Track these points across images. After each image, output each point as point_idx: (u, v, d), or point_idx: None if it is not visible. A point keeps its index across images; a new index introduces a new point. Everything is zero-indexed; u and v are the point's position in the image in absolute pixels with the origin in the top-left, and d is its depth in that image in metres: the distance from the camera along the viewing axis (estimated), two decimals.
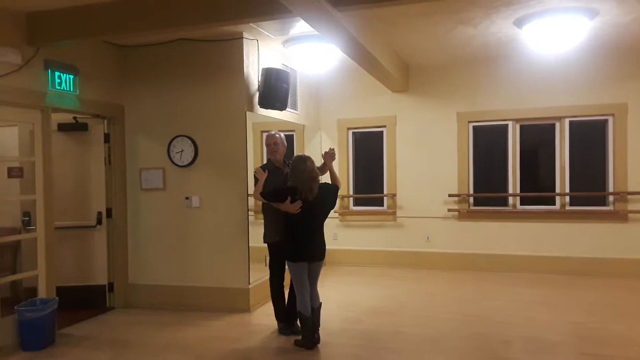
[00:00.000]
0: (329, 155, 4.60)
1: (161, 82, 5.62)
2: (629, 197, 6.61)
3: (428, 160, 7.40)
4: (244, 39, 5.32)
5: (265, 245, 4.77)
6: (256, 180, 4.50)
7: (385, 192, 7.63)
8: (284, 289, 4.77)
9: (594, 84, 6.68)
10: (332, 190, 4.45)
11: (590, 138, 6.95)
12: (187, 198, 5.55)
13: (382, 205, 7.72)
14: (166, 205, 5.63)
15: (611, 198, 6.76)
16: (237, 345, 4.49)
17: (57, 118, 5.32)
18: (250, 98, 5.45)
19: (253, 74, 5.50)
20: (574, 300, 5.66)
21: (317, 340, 4.34)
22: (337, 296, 6.05)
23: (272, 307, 4.81)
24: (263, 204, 4.60)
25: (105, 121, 5.65)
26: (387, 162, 7.60)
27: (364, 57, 5.43)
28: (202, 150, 5.50)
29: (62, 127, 5.59)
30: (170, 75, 5.59)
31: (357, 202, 7.86)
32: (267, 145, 4.77)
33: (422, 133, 7.42)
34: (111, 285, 5.70)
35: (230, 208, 5.41)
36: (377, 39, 5.48)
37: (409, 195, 7.46)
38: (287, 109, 6.02)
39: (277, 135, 4.74)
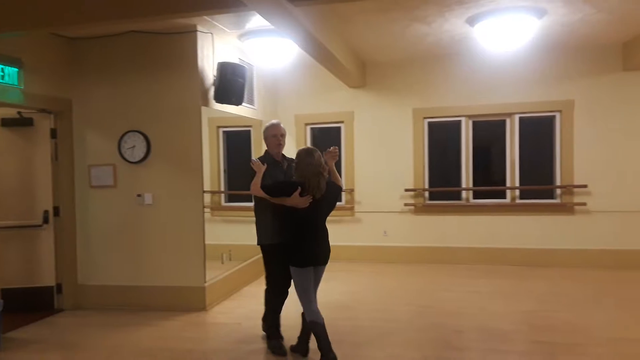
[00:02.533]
0: (331, 155, 3.98)
1: (112, 75, 5.43)
2: (575, 190, 6.89)
3: (385, 155, 7.48)
4: (198, 32, 5.21)
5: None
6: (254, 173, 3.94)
7: (343, 187, 7.64)
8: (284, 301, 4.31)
9: (543, 81, 6.92)
10: (337, 189, 4.00)
11: (539, 133, 7.20)
12: (139, 195, 5.38)
13: (340, 200, 7.75)
14: (117, 203, 5.45)
15: (559, 191, 7.04)
16: (192, 345, 4.40)
17: (0, 113, 5.06)
18: (205, 93, 5.34)
19: (208, 68, 5.39)
20: (525, 290, 5.86)
21: (308, 349, 4.06)
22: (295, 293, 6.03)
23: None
24: (257, 201, 4.08)
25: (52, 116, 5.41)
26: (345, 158, 7.63)
27: (321, 53, 5.42)
28: (155, 146, 5.35)
29: (6, 122, 5.31)
30: (121, 68, 5.41)
31: None
32: (272, 136, 4.12)
33: (379, 129, 7.49)
34: (59, 287, 5.48)
35: (185, 205, 5.29)
36: (333, 34, 5.49)
37: (367, 190, 7.53)
38: (244, 104, 5.95)
39: (282, 125, 4.21)
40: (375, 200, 7.50)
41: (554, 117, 7.04)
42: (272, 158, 4.13)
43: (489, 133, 7.39)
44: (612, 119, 6.74)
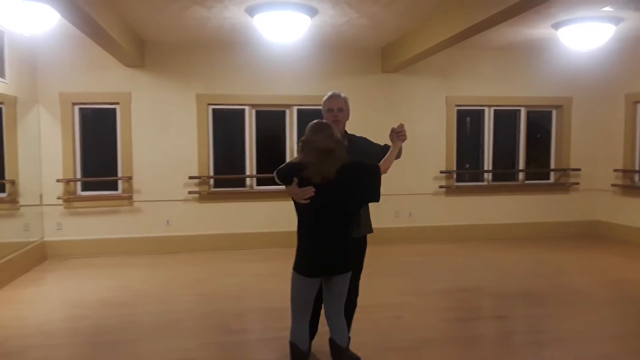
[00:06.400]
0: (397, 134, 3.21)
1: None
2: None
3: (168, 141, 7.17)
4: None
5: None
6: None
7: (119, 175, 7.09)
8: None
9: (317, 76, 7.47)
10: (364, 171, 2.97)
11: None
12: None
13: (117, 189, 7.17)
14: None
15: None
16: None
17: None
18: None
19: None
20: None
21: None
22: (60, 293, 5.41)
23: None
24: None
25: None
26: (122, 143, 7.07)
27: (88, 25, 4.86)
28: None
29: None
30: None
31: (85, 187, 7.11)
32: (326, 111, 3.39)
33: (161, 113, 7.13)
34: None
35: None
36: (103, 5, 4.97)
37: (147, 178, 7.11)
38: None
39: (342, 96, 3.40)
40: (156, 189, 7.14)
41: None
42: None
43: (271, 122, 7.69)
44: (373, 114, 7.64)
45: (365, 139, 3.48)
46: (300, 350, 3.00)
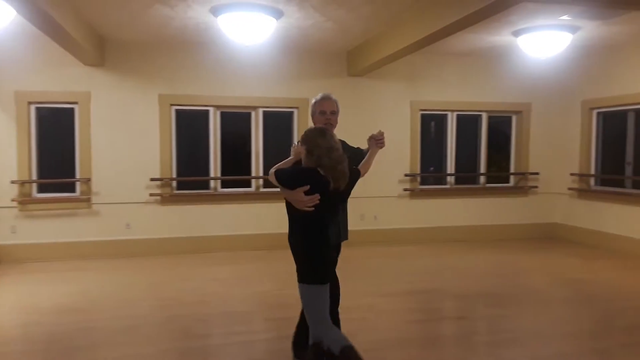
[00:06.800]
0: (376, 141, 3.25)
1: None
2: None
3: (129, 142, 7.00)
4: None
5: None
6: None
7: (77, 176, 6.88)
8: None
9: (283, 78, 7.45)
10: (354, 175, 3.03)
11: (281, 127, 7.74)
12: None
13: (74, 191, 6.95)
14: None
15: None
16: None
17: None
18: None
19: None
20: (263, 271, 6.25)
21: None
22: (13, 298, 5.20)
23: None
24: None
25: None
26: (80, 143, 6.86)
27: (44, 22, 4.69)
28: None
29: None
30: None
31: (41, 189, 6.86)
32: (319, 113, 3.24)
33: (121, 113, 6.96)
34: None
35: None
36: (60, 2, 4.81)
37: (107, 179, 6.92)
38: None
39: (333, 99, 3.29)
40: (116, 191, 6.96)
41: (292, 112, 7.67)
42: None
43: (236, 124, 7.62)
44: (339, 117, 7.67)
45: (345, 142, 3.39)
46: (353, 346, 2.83)
